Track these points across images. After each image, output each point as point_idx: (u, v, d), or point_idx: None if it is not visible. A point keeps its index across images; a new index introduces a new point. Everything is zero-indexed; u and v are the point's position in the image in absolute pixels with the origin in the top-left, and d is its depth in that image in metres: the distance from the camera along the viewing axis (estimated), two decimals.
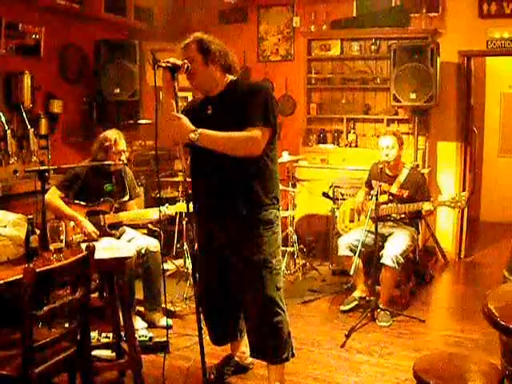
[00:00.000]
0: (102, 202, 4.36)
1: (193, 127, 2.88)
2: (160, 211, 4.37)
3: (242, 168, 3.02)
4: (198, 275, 3.02)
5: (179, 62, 2.91)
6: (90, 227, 4.20)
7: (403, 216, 4.82)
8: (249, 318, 3.27)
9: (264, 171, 3.11)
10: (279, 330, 3.17)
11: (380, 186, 4.51)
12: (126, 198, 4.53)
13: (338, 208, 5.51)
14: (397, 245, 4.62)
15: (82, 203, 4.31)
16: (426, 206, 4.56)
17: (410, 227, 4.83)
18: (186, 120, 2.89)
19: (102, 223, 4.32)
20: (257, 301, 3.15)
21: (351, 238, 4.78)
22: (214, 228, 3.22)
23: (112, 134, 4.41)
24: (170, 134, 2.94)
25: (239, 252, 3.14)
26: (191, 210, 3.01)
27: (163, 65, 2.85)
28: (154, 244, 4.40)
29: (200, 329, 2.86)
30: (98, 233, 4.22)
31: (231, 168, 3.02)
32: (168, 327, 3.99)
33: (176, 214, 5.16)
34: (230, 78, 3.16)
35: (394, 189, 4.82)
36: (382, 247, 4.66)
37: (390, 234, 4.79)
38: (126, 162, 4.48)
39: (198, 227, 3.23)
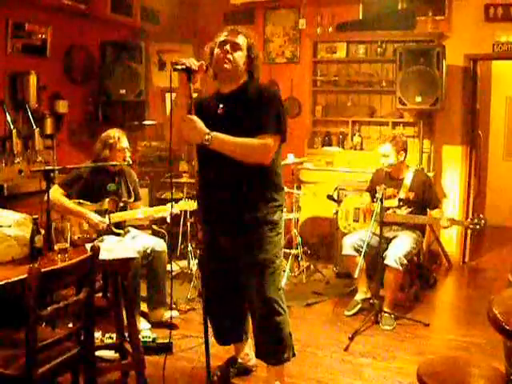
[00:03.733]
0: (106, 198, 4.36)
1: (206, 130, 2.90)
2: (172, 207, 4.36)
3: (247, 170, 3.02)
4: (203, 275, 3.01)
5: (197, 64, 2.87)
6: (96, 218, 4.22)
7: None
8: (252, 317, 3.29)
9: (269, 173, 3.14)
10: (280, 329, 3.19)
11: (385, 189, 4.50)
12: (132, 199, 4.54)
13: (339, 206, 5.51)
14: (400, 246, 4.62)
15: (87, 202, 4.32)
16: (444, 222, 4.54)
17: (415, 230, 4.82)
18: (200, 123, 2.90)
19: (108, 222, 4.32)
20: (258, 300, 3.17)
21: (356, 238, 4.79)
22: (219, 228, 3.23)
23: (114, 131, 4.45)
24: (183, 135, 2.95)
25: (244, 252, 3.15)
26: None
27: (179, 67, 2.83)
28: (160, 244, 4.41)
29: (206, 330, 2.87)
30: (105, 222, 4.24)
31: (236, 170, 3.02)
32: (172, 319, 4.00)
33: (180, 213, 5.15)
34: (246, 79, 3.21)
35: (402, 194, 4.83)
36: (386, 249, 4.66)
37: (394, 237, 4.79)
38: (130, 161, 4.49)
39: (204, 227, 3.23)
